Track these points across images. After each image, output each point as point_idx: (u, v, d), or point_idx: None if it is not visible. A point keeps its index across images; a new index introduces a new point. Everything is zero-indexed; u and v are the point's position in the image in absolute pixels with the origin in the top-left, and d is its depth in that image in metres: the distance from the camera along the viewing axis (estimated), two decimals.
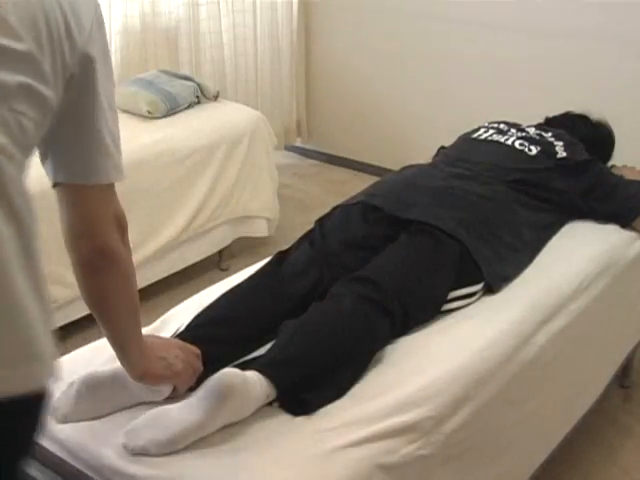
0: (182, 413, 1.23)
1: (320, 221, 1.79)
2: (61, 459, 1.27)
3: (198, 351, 1.35)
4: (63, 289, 2.24)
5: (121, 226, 1.11)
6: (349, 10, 4.12)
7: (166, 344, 1.33)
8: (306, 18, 4.27)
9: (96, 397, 1.30)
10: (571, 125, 2.26)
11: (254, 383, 1.28)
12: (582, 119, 2.33)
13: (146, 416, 1.24)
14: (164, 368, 1.27)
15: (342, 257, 1.65)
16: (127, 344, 1.23)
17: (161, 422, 1.22)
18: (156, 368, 1.26)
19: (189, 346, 1.35)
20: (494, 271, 1.70)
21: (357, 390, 1.37)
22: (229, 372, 1.26)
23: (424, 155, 2.25)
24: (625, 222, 2.04)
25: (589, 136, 2.23)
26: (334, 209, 1.84)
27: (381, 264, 1.60)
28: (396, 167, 2.10)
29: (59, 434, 1.29)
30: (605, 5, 3.24)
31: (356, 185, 2.23)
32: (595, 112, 2.34)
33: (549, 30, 3.45)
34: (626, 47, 3.24)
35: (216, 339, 1.43)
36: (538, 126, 2.20)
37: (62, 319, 2.38)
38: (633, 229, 2.04)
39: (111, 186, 1.08)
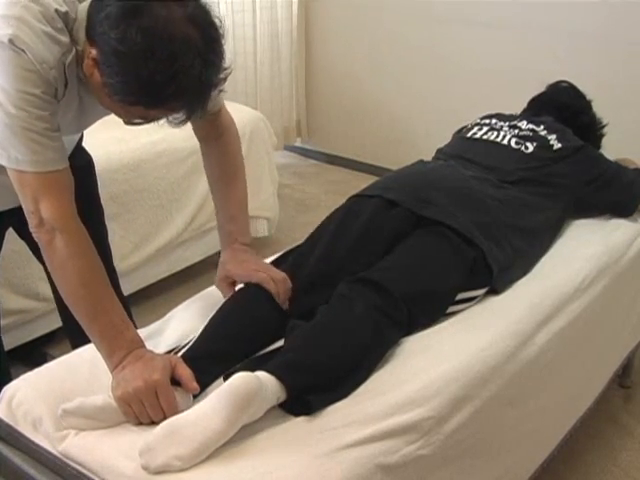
0: (201, 423, 1.18)
1: (330, 217, 1.76)
2: (62, 461, 1.27)
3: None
4: None
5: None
6: (349, 10, 4.12)
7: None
8: (306, 18, 4.27)
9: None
10: (549, 102, 2.27)
11: (269, 385, 1.27)
12: (558, 91, 2.34)
13: (160, 432, 1.18)
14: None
15: (345, 261, 1.63)
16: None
17: (180, 435, 1.17)
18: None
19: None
20: (503, 276, 1.69)
21: (357, 390, 1.37)
22: (245, 377, 1.22)
23: (425, 157, 2.24)
24: (628, 211, 2.04)
25: (571, 102, 2.27)
26: (349, 200, 1.81)
27: (392, 267, 1.57)
28: (396, 167, 2.09)
29: (60, 437, 1.29)
30: (607, 5, 3.24)
31: (356, 185, 2.22)
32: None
33: (550, 30, 3.45)
34: (627, 46, 3.25)
35: (223, 350, 1.43)
36: (528, 119, 2.17)
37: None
38: (636, 221, 2.04)
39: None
